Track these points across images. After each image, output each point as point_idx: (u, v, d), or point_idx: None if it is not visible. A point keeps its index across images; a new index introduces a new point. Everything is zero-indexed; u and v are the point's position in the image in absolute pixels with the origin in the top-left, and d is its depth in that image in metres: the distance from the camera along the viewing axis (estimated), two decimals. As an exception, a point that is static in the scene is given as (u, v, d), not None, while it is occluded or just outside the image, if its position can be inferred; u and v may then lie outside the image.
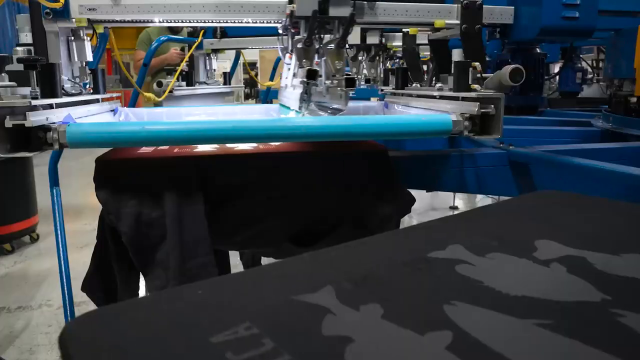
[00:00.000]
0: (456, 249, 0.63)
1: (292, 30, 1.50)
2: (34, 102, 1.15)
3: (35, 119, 1.11)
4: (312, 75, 1.41)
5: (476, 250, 0.63)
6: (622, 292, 0.50)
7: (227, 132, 1.24)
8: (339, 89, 1.40)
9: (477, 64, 1.47)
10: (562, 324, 0.43)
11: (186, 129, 1.25)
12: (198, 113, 1.97)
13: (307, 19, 1.42)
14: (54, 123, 1.18)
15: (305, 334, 0.42)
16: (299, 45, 1.43)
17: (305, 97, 1.49)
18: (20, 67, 1.27)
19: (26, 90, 1.26)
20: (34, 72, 1.26)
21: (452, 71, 1.66)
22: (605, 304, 0.47)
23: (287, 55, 1.64)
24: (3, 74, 1.25)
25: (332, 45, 1.43)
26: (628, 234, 0.69)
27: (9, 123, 1.08)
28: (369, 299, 0.49)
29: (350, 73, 2.82)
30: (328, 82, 1.44)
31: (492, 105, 1.35)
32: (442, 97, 1.58)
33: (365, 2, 1.50)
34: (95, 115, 1.58)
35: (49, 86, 1.28)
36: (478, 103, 1.34)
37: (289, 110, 1.76)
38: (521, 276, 0.55)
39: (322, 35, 1.47)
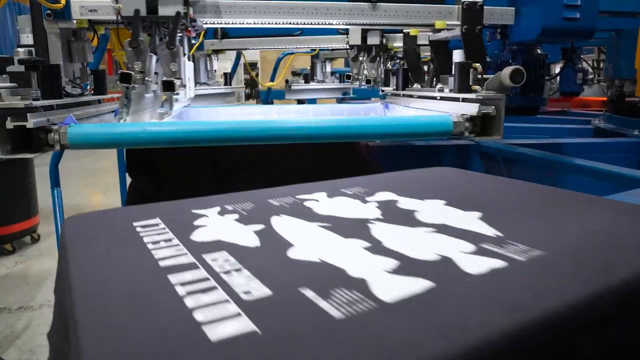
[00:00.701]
0: (319, 194, 0.85)
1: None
2: (35, 104, 1.15)
3: (36, 120, 1.11)
4: (125, 78, 1.35)
5: (331, 195, 0.86)
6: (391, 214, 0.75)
7: (227, 133, 1.24)
8: (161, 93, 1.37)
9: (477, 65, 1.47)
10: (342, 228, 0.68)
11: (186, 129, 1.25)
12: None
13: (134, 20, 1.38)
14: (54, 124, 1.18)
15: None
16: (128, 48, 1.37)
17: (125, 102, 1.43)
18: (22, 68, 1.27)
19: (27, 92, 1.26)
20: (35, 74, 1.26)
21: (453, 72, 1.67)
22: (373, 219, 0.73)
23: None
24: (4, 75, 1.25)
25: (164, 48, 1.39)
26: (445, 188, 0.89)
27: (9, 124, 1.08)
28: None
29: (351, 74, 2.83)
30: (157, 85, 1.42)
31: (493, 106, 1.35)
32: (442, 98, 1.58)
33: (207, 0, 1.46)
34: (96, 116, 1.57)
35: (50, 87, 1.28)
36: (478, 104, 1.34)
37: None
38: (346, 208, 0.80)
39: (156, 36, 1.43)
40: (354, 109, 2.13)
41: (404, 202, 0.81)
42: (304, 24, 1.61)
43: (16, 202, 3.62)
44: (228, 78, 3.36)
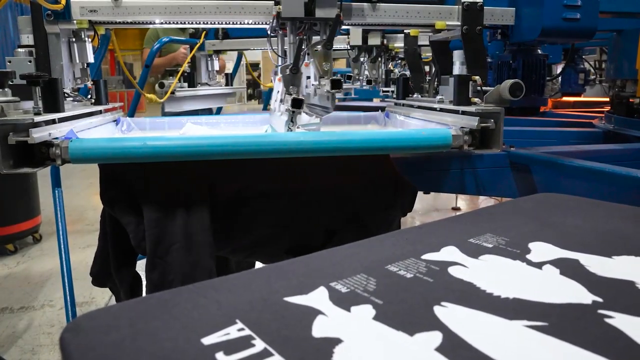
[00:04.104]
0: (450, 250, 0.64)
1: (281, 32, 1.49)
2: (37, 119, 1.15)
3: (38, 135, 1.11)
4: (297, 104, 1.39)
5: (470, 252, 0.63)
6: (613, 294, 0.50)
7: (228, 148, 1.24)
8: (325, 90, 1.39)
9: (477, 77, 1.48)
10: (552, 325, 0.43)
11: (187, 144, 1.24)
12: (200, 122, 1.97)
13: (294, 20, 1.42)
14: (56, 138, 1.18)
15: (296, 336, 0.43)
16: (287, 72, 1.41)
17: (291, 126, 1.47)
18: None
19: (29, 105, 1.25)
20: (37, 88, 1.25)
21: (453, 72, 1.67)
22: (596, 306, 0.47)
23: (277, 78, 1.64)
24: (6, 89, 1.25)
25: (319, 47, 1.42)
26: (623, 237, 0.69)
27: (12, 140, 1.08)
28: (361, 300, 0.49)
29: (352, 74, 2.83)
30: (315, 83, 1.44)
31: (492, 120, 1.35)
32: (442, 110, 1.57)
33: (352, 4, 1.50)
34: (98, 127, 1.58)
35: (52, 100, 1.28)
36: (478, 117, 1.34)
37: None
38: (513, 278, 0.55)
39: (310, 37, 1.46)
40: (355, 117, 2.12)
41: (593, 264, 0.58)
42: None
43: (18, 202, 3.64)
44: (229, 78, 3.36)
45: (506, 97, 1.37)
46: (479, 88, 1.46)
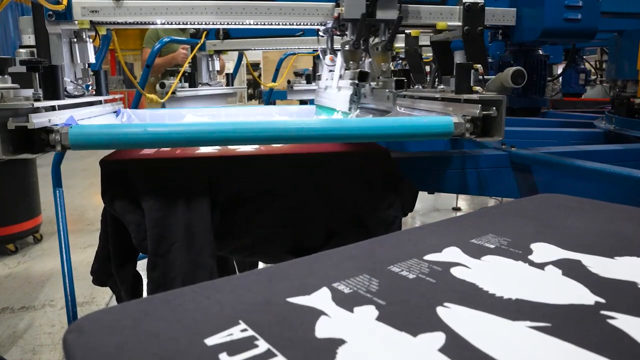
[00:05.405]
0: (452, 251, 0.64)
1: (338, 33, 1.52)
2: (37, 104, 1.15)
3: (37, 120, 1.11)
4: (363, 77, 1.42)
5: (472, 253, 0.63)
6: (615, 295, 0.50)
7: (228, 134, 1.24)
8: (387, 90, 1.41)
9: (478, 65, 1.47)
10: (554, 326, 0.43)
11: (188, 130, 1.25)
12: (200, 114, 1.97)
13: (355, 22, 1.44)
14: (56, 125, 1.18)
15: (299, 336, 0.43)
16: (347, 48, 1.43)
17: (355, 99, 1.49)
18: (23, 68, 1.27)
19: (29, 92, 1.26)
20: (37, 74, 1.26)
21: (454, 72, 1.66)
22: (598, 307, 0.47)
23: (328, 57, 1.66)
24: (6, 76, 1.26)
25: (379, 48, 1.46)
26: (625, 238, 0.69)
27: (11, 125, 1.08)
28: (364, 301, 0.49)
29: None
30: (373, 83, 1.46)
31: (494, 107, 1.35)
32: (443, 99, 1.57)
33: (409, 6, 1.56)
34: (98, 116, 1.58)
35: (52, 88, 1.28)
36: (480, 105, 1.33)
37: (333, 111, 1.76)
38: (515, 279, 0.55)
39: (367, 38, 1.50)
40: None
41: (595, 265, 0.59)
42: (306, 24, 1.62)
43: (19, 202, 3.64)
44: (230, 78, 3.36)
45: (508, 85, 1.36)
46: (480, 77, 1.46)
